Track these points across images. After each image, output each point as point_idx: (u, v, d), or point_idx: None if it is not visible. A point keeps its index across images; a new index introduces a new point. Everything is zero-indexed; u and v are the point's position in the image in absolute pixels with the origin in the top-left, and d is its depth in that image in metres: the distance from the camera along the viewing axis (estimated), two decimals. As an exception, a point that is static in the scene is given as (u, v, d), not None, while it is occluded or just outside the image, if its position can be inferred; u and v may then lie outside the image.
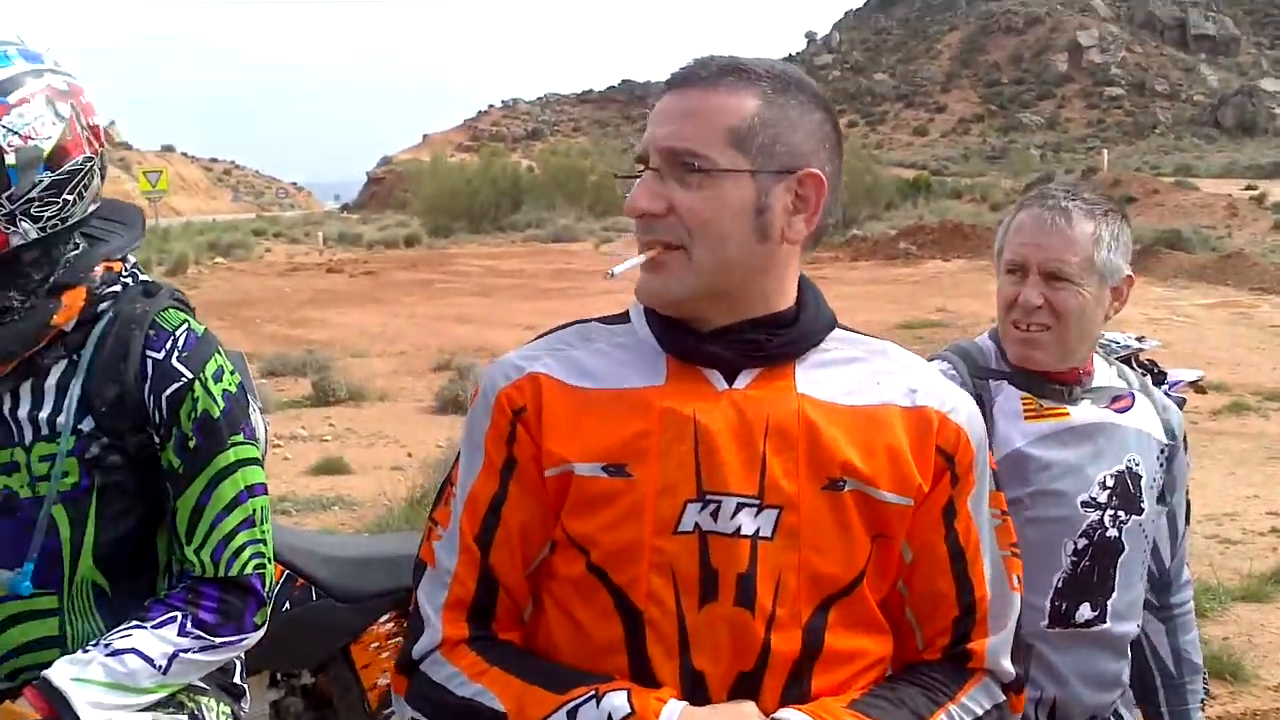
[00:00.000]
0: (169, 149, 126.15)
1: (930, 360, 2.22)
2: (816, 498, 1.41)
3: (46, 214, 1.81)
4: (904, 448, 1.45)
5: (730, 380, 1.44)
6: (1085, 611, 2.11)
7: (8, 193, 1.75)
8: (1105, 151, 69.90)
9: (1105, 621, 2.13)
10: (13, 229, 1.78)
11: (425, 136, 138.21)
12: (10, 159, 1.74)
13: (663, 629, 1.40)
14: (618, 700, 1.35)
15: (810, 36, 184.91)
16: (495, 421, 1.48)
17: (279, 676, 3.04)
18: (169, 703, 1.85)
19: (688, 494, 1.40)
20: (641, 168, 1.44)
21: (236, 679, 2.08)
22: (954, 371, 2.16)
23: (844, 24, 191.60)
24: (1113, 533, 2.12)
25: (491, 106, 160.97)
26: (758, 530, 1.40)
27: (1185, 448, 2.30)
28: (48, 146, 1.78)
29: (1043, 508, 2.08)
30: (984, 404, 2.09)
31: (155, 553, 1.91)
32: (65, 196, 1.82)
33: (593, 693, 1.36)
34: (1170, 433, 2.23)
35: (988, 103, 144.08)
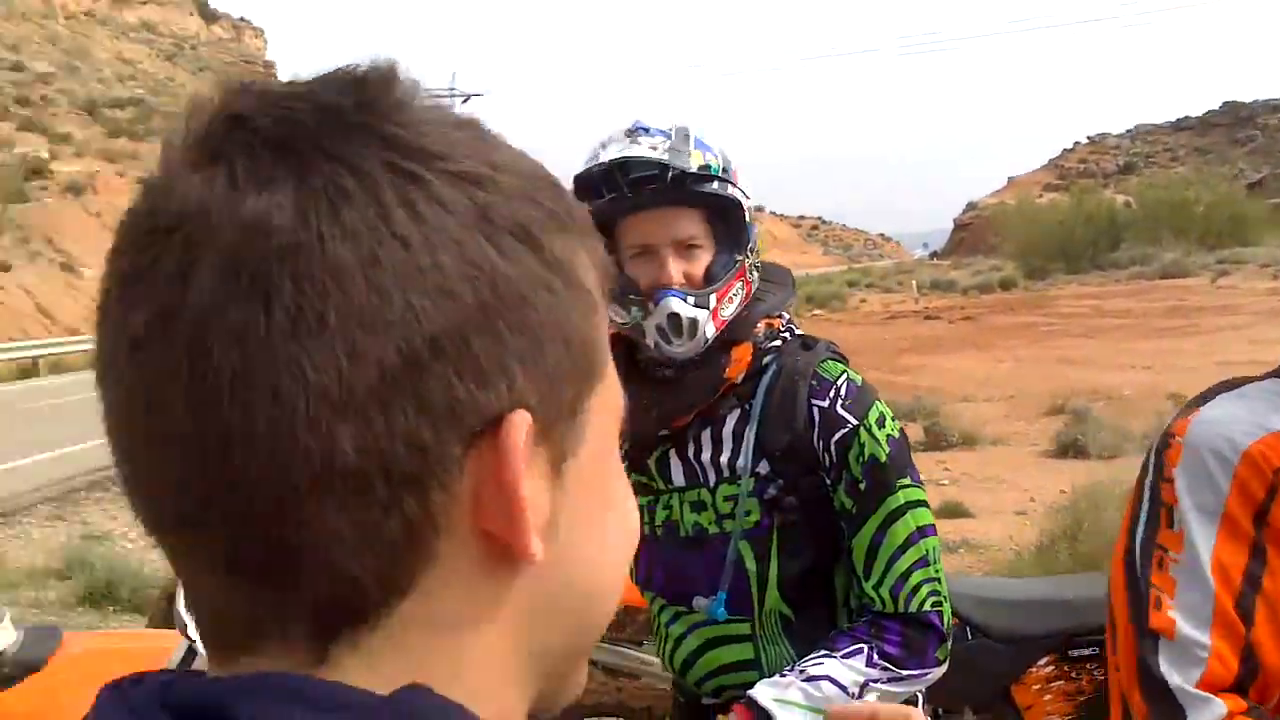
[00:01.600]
0: (760, 209, 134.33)
1: None
2: None
3: (758, 265, 1.99)
4: None
5: None
6: None
7: (750, 246, 1.95)
8: None
9: None
10: (753, 279, 1.97)
11: (1010, 179, 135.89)
12: (748, 217, 1.94)
13: None
14: None
15: None
16: (1242, 481, 1.37)
17: (939, 712, 3.06)
18: None
19: None
20: None
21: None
22: None
23: None
24: None
25: (1077, 144, 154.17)
26: None
27: None
28: (751, 206, 1.98)
29: None
30: None
31: (833, 587, 1.98)
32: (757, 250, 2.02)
33: None
34: None
35: None
